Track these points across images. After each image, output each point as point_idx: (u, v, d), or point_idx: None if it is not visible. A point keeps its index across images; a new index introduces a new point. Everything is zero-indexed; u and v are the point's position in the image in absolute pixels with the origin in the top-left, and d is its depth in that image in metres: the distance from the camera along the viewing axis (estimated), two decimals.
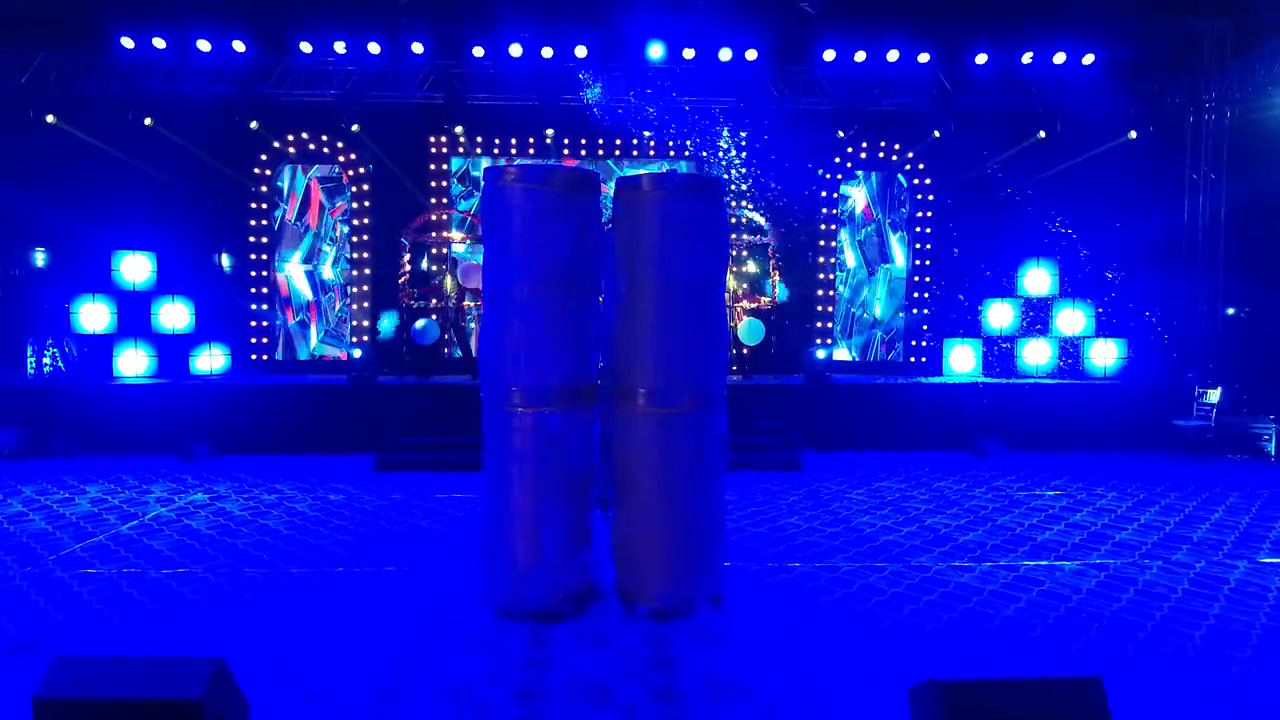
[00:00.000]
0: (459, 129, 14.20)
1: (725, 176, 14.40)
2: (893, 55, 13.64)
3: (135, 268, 13.12)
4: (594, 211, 5.55)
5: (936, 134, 14.05)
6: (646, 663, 4.77)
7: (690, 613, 5.37)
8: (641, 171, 14.49)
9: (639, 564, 5.48)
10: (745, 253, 14.05)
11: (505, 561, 5.41)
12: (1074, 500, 8.95)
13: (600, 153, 14.48)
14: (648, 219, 5.38)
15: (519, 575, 5.35)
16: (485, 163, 14.39)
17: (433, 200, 14.24)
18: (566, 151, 14.43)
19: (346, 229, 14.02)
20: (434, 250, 14.07)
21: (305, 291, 14.14)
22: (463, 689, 4.45)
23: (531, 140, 14.36)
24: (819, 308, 14.23)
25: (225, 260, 14.25)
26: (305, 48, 13.38)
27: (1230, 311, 14.13)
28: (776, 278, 13.25)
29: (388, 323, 13.71)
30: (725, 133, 14.28)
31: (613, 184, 5.84)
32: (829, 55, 13.66)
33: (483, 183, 5.53)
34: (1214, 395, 11.92)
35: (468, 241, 13.89)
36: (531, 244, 5.28)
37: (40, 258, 14.09)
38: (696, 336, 5.40)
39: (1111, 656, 4.91)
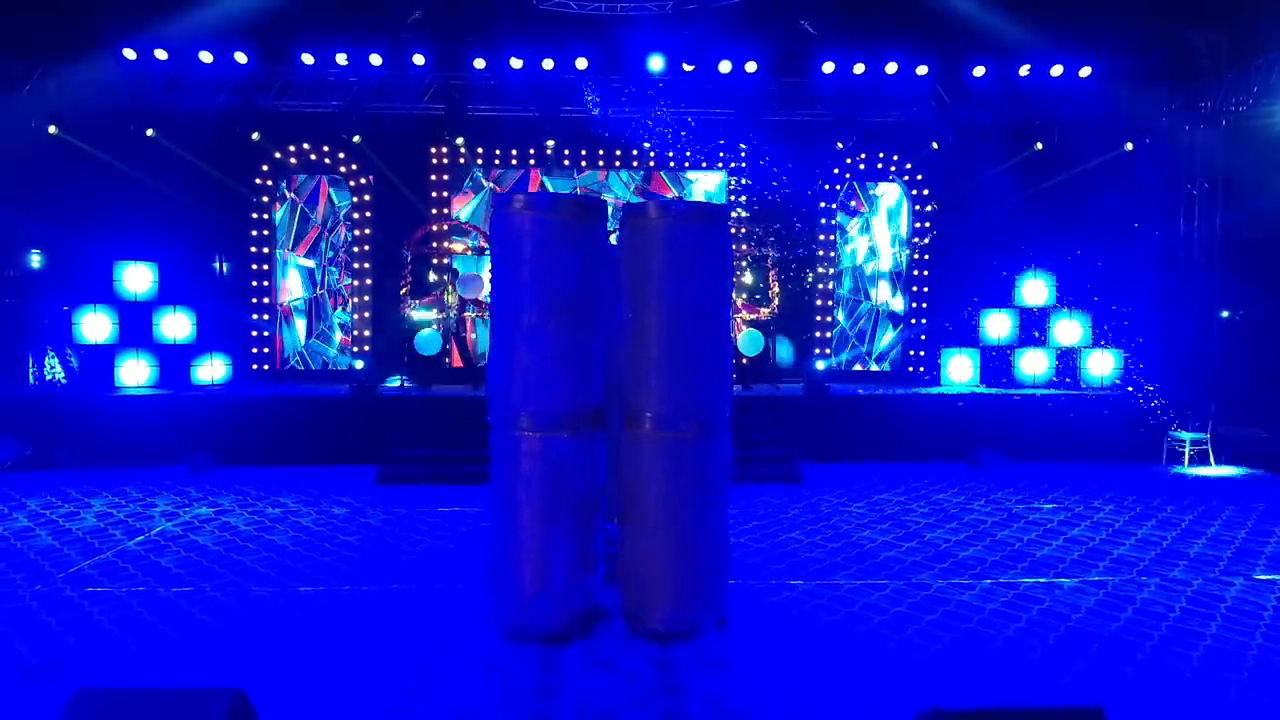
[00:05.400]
0: (459, 140, 14.25)
1: (725, 185, 14.47)
2: (891, 68, 13.72)
3: (137, 278, 13.16)
4: (601, 238, 5.62)
5: (935, 145, 14.15)
6: (653, 688, 4.84)
7: (695, 635, 5.44)
8: (628, 187, 14.60)
9: (645, 586, 5.54)
10: (745, 264, 14.12)
11: (512, 585, 5.47)
12: (1072, 514, 9.04)
13: (600, 163, 14.54)
14: (654, 246, 5.45)
15: (526, 599, 5.42)
16: (478, 173, 14.48)
17: (434, 211, 14.29)
18: (567, 163, 14.49)
19: (348, 238, 14.07)
20: (435, 261, 14.13)
21: (296, 289, 14.18)
22: (473, 715, 4.53)
23: (532, 151, 14.41)
24: (818, 318, 14.31)
25: (224, 265, 14.30)
26: (307, 59, 13.42)
27: (1225, 314, 14.21)
28: (776, 289, 13.32)
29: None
30: (725, 144, 14.35)
31: (619, 211, 5.91)
32: (828, 67, 13.74)
33: (491, 210, 5.61)
34: (1210, 406, 12.00)
35: (469, 252, 13.95)
36: (539, 271, 5.35)
37: (41, 268, 14.10)
38: (702, 363, 5.47)
39: (1111, 679, 4.99)
